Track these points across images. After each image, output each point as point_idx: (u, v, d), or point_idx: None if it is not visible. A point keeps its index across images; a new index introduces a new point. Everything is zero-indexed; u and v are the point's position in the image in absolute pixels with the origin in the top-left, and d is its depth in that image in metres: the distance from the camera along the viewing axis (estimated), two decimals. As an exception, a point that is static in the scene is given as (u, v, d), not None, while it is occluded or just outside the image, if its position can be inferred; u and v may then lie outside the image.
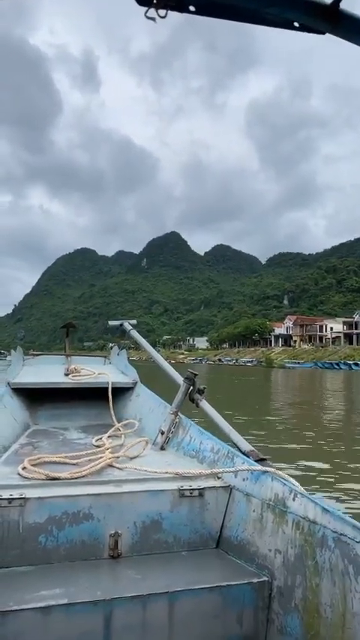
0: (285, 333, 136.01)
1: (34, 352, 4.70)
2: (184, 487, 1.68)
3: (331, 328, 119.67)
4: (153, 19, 0.80)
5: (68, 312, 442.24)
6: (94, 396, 3.33)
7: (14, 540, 1.51)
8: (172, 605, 1.34)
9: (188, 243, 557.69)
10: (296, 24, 0.84)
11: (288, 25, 0.85)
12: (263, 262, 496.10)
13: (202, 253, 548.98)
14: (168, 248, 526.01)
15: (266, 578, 1.44)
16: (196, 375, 2.42)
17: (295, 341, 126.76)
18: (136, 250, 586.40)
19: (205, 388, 2.40)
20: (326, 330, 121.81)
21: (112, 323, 4.25)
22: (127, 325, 3.90)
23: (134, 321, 4.02)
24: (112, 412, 3.04)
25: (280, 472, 1.63)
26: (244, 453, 1.90)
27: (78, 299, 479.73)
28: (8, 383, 3.20)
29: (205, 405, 2.32)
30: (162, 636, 1.33)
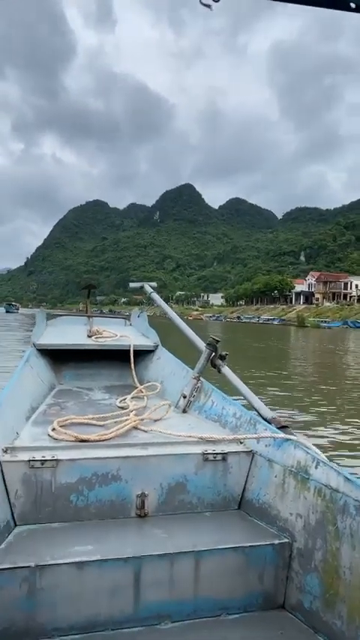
0: (306, 290, 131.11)
1: (57, 312, 4.80)
2: (208, 451, 1.74)
3: (357, 286, 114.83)
4: (209, 6, 0.77)
5: (80, 265, 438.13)
6: (115, 357, 3.41)
7: (47, 499, 1.59)
8: (197, 563, 1.41)
9: (202, 196, 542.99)
10: (352, 4, 0.76)
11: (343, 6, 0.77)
12: (280, 217, 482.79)
13: (216, 207, 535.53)
14: (182, 201, 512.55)
15: (287, 540, 1.51)
16: (218, 341, 2.47)
17: (318, 298, 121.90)
18: (149, 203, 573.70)
19: (227, 354, 2.44)
20: (351, 288, 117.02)
21: (132, 285, 4.24)
22: (147, 288, 3.93)
23: (154, 284, 4.04)
24: (134, 374, 3.11)
25: (302, 440, 1.69)
26: (266, 420, 1.94)
27: (90, 252, 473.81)
28: (33, 344, 3.27)
29: (227, 371, 2.36)
30: (188, 592, 1.40)
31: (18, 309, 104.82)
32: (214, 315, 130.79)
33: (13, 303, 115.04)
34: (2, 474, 1.56)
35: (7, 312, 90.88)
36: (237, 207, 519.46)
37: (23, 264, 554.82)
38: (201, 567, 1.41)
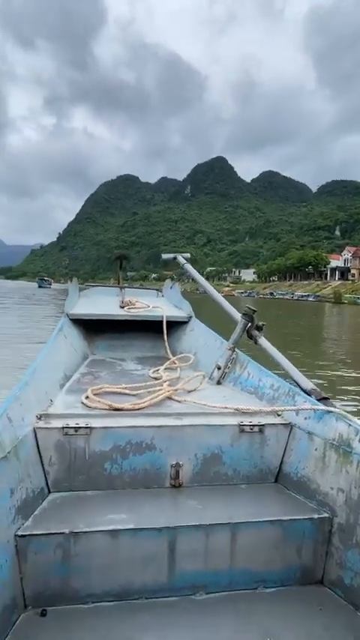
0: (342, 265, 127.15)
1: (89, 283, 4.80)
2: (244, 423, 1.72)
3: None
4: None
5: (111, 241, 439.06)
6: (148, 328, 3.40)
7: (81, 466, 1.59)
8: (234, 535, 1.39)
9: (235, 170, 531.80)
10: None
11: None
12: (314, 190, 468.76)
13: (248, 180, 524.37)
14: (213, 174, 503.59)
15: (327, 515, 1.48)
16: (255, 311, 2.41)
17: (354, 274, 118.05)
18: (180, 177, 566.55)
19: (263, 325, 2.39)
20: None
21: (165, 256, 4.11)
22: (180, 259, 3.84)
23: (187, 255, 3.93)
24: (167, 345, 3.10)
25: (344, 412, 1.64)
26: (305, 392, 1.91)
27: (120, 227, 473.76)
28: (67, 314, 3.27)
29: (263, 341, 2.31)
30: (224, 564, 1.39)
31: (51, 284, 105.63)
32: (245, 291, 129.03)
33: (46, 279, 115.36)
34: (36, 441, 1.56)
35: (39, 287, 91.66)
36: (270, 180, 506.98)
37: (55, 239, 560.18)
38: (237, 539, 1.40)
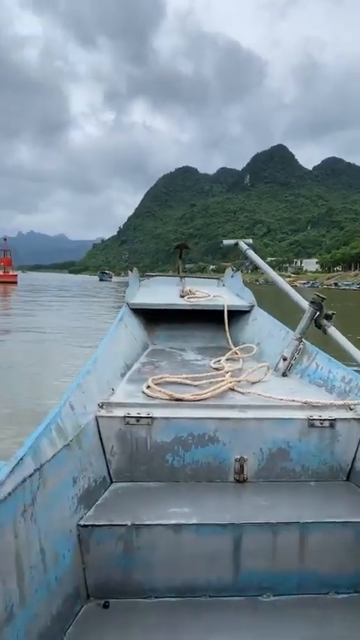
0: None
1: (149, 273, 4.76)
2: (314, 417, 1.63)
3: None
4: None
5: (169, 233, 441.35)
6: (209, 318, 3.34)
7: (143, 457, 1.56)
8: (302, 536, 1.33)
9: (296, 157, 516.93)
10: None
11: None
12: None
13: (310, 168, 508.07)
14: (273, 163, 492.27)
15: None
16: (323, 298, 2.31)
17: None
18: (239, 167, 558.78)
19: (333, 314, 2.27)
20: None
21: (226, 242, 3.99)
22: (242, 245, 3.71)
23: (250, 241, 3.78)
24: (229, 335, 3.03)
25: None
26: None
27: (179, 220, 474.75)
28: (127, 303, 3.26)
29: (333, 331, 2.19)
30: (292, 565, 1.32)
31: (111, 278, 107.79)
32: (308, 282, 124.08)
33: (107, 272, 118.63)
34: (98, 429, 1.56)
35: (100, 280, 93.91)
36: (333, 168, 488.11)
37: (116, 233, 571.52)
38: (306, 540, 1.32)
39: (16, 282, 43.65)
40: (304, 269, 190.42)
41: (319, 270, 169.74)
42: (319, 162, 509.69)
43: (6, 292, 30.35)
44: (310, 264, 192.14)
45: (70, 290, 37.32)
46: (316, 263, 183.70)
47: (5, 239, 50.93)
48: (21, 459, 1.05)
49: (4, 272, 46.60)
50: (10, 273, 46.93)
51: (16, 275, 47.31)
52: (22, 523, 1.00)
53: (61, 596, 1.13)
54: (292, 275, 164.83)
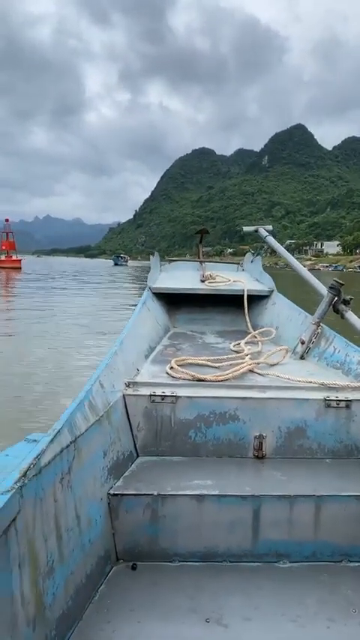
0: None
1: (170, 258, 4.84)
2: (331, 397, 1.69)
3: None
4: None
5: (186, 216, 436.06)
6: (229, 302, 3.39)
7: (167, 433, 1.65)
8: (318, 508, 1.39)
9: (315, 137, 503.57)
10: None
11: None
12: None
13: (330, 148, 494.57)
14: (292, 143, 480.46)
15: None
16: (342, 284, 2.35)
17: None
18: (257, 148, 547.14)
19: (351, 299, 2.31)
20: None
21: (246, 229, 4.04)
22: (262, 231, 3.75)
23: (270, 227, 3.84)
24: (248, 319, 3.08)
25: None
26: None
27: (196, 202, 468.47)
28: (149, 287, 3.34)
29: (351, 316, 2.25)
30: (308, 535, 1.39)
31: (127, 262, 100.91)
32: (330, 265, 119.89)
33: (122, 255, 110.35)
34: (126, 407, 1.64)
35: (115, 264, 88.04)
36: (353, 147, 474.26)
37: (132, 217, 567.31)
38: (321, 512, 1.39)
39: (20, 268, 39.92)
40: (324, 251, 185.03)
41: (341, 252, 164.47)
42: (339, 142, 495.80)
43: (6, 280, 27.20)
44: (331, 247, 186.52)
45: (78, 277, 33.89)
46: (337, 245, 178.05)
47: (7, 220, 46.20)
48: (58, 431, 1.13)
49: (7, 257, 42.60)
50: (14, 257, 43.06)
51: (20, 260, 43.38)
52: (60, 489, 1.08)
53: (94, 558, 1.22)
54: (313, 258, 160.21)
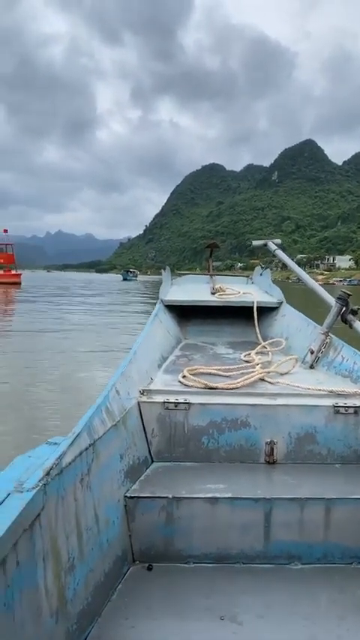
0: None
1: (180, 272, 4.94)
2: (339, 404, 1.72)
3: None
4: None
5: (196, 231, 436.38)
6: (239, 314, 3.44)
7: (180, 439, 1.69)
8: (328, 511, 1.41)
9: (325, 152, 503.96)
10: None
11: None
12: None
13: (340, 162, 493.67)
14: (302, 158, 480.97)
15: None
16: (349, 294, 2.40)
17: None
18: (267, 163, 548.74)
19: (359, 309, 2.35)
20: None
21: (255, 243, 4.11)
22: (271, 245, 3.83)
23: (279, 240, 3.91)
24: (258, 330, 3.10)
25: None
26: None
27: (206, 218, 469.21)
28: (161, 300, 3.41)
29: (359, 326, 2.29)
30: (318, 537, 1.41)
31: (136, 276, 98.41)
32: (344, 279, 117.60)
33: (132, 270, 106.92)
34: (140, 413, 1.69)
35: (124, 279, 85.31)
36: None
37: (142, 232, 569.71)
38: (331, 515, 1.41)
39: (19, 284, 36.94)
40: (336, 266, 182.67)
41: (353, 266, 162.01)
42: (350, 157, 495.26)
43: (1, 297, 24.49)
44: (343, 261, 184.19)
45: (83, 294, 31.16)
46: (350, 260, 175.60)
47: (5, 231, 41.69)
48: (78, 434, 1.17)
49: (5, 271, 38.91)
50: (13, 272, 39.55)
51: (19, 275, 40.01)
52: (80, 489, 1.12)
53: (112, 557, 1.25)
54: (325, 272, 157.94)
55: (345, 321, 2.36)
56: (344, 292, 2.41)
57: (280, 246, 3.84)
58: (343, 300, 2.38)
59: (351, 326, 2.32)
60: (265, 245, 3.90)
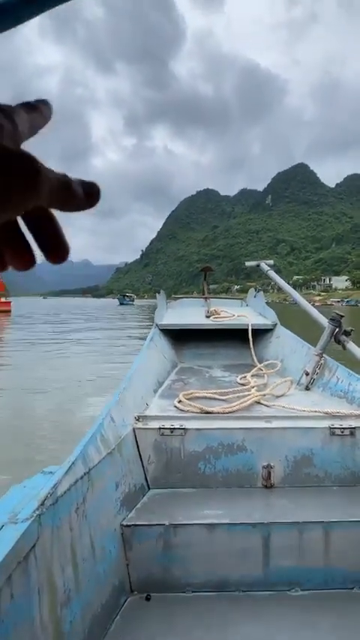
0: None
1: (176, 296, 4.96)
2: (335, 425, 1.71)
3: None
4: None
5: (192, 255, 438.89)
6: (234, 337, 3.46)
7: (177, 465, 1.67)
8: (327, 534, 1.40)
9: (317, 175, 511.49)
10: None
11: None
12: None
13: (332, 185, 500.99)
14: (295, 182, 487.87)
15: None
16: (342, 316, 2.40)
17: None
18: (260, 187, 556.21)
19: (352, 330, 2.35)
20: None
21: (248, 264, 4.10)
22: (264, 266, 3.85)
23: (271, 262, 3.94)
24: (253, 353, 3.11)
25: None
26: None
27: (201, 241, 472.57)
28: (157, 324, 3.42)
29: (352, 346, 2.29)
30: (318, 562, 1.39)
31: (133, 301, 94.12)
32: (342, 300, 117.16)
33: (128, 295, 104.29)
34: (136, 440, 1.67)
35: (120, 304, 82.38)
36: (356, 184, 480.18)
37: (139, 257, 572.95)
38: (331, 539, 1.40)
39: (9, 311, 35.20)
40: (333, 286, 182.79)
41: (350, 287, 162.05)
42: (342, 180, 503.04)
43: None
44: (339, 282, 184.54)
45: (73, 322, 29.98)
46: (346, 280, 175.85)
47: None
48: (73, 462, 1.15)
49: None
50: (2, 300, 37.60)
51: (9, 303, 38.30)
52: (75, 519, 1.09)
53: (109, 588, 1.22)
54: (322, 293, 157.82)
55: (338, 341, 2.37)
56: (337, 313, 2.41)
57: (274, 267, 3.84)
58: (336, 321, 2.38)
59: (344, 347, 2.33)
60: (258, 266, 3.90)
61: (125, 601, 1.30)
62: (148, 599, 1.32)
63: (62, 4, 0.37)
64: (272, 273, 3.71)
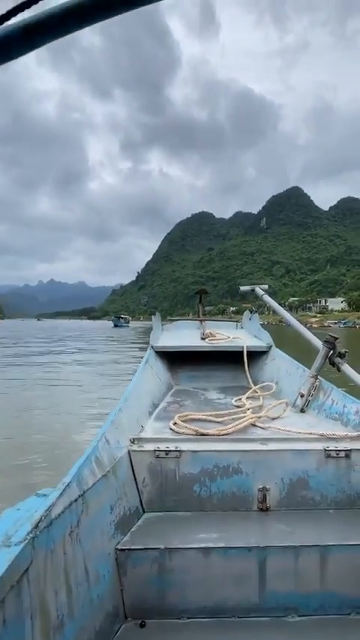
0: None
1: (171, 318, 5.00)
2: (330, 448, 1.71)
3: None
4: None
5: (188, 277, 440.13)
6: (229, 359, 3.46)
7: (172, 488, 1.65)
8: (323, 559, 1.38)
9: (311, 198, 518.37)
10: None
11: None
12: None
13: (326, 208, 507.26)
14: (289, 205, 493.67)
15: None
16: (336, 338, 2.42)
17: None
18: (255, 210, 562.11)
19: (346, 352, 2.37)
20: None
21: (243, 289, 4.12)
22: (258, 290, 3.88)
23: (265, 286, 3.98)
24: (248, 375, 3.13)
25: None
26: None
27: (197, 264, 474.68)
28: (152, 346, 3.43)
29: (347, 368, 2.31)
30: (315, 586, 1.37)
31: (128, 323, 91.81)
32: (339, 321, 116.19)
33: (123, 316, 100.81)
34: (131, 462, 1.65)
35: (115, 326, 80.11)
36: (350, 207, 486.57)
37: (134, 279, 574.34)
38: (327, 563, 1.38)
39: None
40: (329, 308, 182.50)
41: (346, 308, 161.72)
42: (335, 202, 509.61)
43: None
44: (335, 303, 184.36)
45: (63, 345, 29.12)
46: (342, 302, 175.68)
47: None
48: (67, 485, 1.13)
49: None
50: None
51: None
52: (69, 542, 1.08)
53: (103, 614, 1.19)
54: (318, 315, 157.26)
55: (333, 364, 2.38)
56: (331, 336, 2.42)
57: (268, 291, 3.85)
58: (330, 343, 2.39)
59: (339, 369, 2.34)
60: (253, 290, 3.92)
61: (120, 628, 1.28)
62: (142, 625, 1.30)
63: (60, 38, 0.39)
64: (267, 297, 3.74)
